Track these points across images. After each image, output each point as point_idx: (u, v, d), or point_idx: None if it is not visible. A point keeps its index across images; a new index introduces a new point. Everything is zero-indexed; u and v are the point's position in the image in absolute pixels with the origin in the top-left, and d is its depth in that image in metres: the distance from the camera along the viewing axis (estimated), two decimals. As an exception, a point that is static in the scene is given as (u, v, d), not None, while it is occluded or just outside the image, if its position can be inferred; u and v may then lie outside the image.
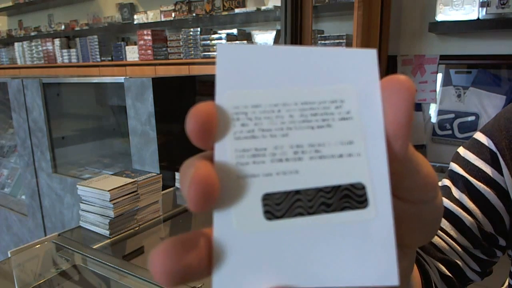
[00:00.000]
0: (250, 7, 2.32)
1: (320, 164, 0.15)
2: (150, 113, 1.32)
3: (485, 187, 0.44)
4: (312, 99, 0.16)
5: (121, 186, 1.01)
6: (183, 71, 2.50)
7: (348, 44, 1.80)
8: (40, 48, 3.54)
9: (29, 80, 1.71)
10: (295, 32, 1.53)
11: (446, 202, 0.46)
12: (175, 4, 2.66)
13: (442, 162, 1.51)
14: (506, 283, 0.52)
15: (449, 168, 0.49)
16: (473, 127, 1.53)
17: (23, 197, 1.97)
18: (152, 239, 1.05)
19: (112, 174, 1.14)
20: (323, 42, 1.87)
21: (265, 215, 0.15)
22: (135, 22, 2.90)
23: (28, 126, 1.77)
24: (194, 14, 2.56)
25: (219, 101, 0.16)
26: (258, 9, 2.27)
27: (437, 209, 0.20)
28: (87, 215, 1.03)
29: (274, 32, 2.21)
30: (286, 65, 0.16)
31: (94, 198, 1.02)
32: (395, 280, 0.15)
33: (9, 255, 0.89)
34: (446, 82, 1.60)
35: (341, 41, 1.82)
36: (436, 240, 0.45)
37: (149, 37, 2.65)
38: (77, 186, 1.05)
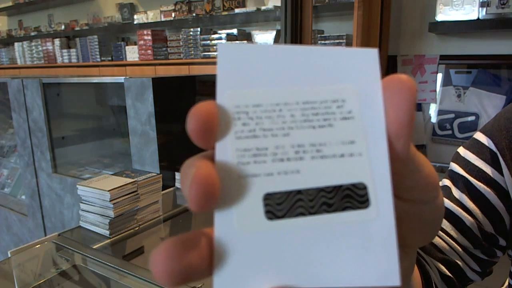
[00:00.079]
0: (250, 7, 2.32)
1: (322, 164, 0.15)
2: (150, 113, 1.32)
3: (485, 187, 0.44)
4: (314, 98, 0.16)
5: (121, 186, 1.01)
6: (183, 71, 2.50)
7: (348, 44, 1.80)
8: (40, 48, 3.54)
9: (29, 80, 1.71)
10: (295, 32, 1.53)
11: (446, 202, 0.46)
12: (175, 4, 2.66)
13: (442, 162, 1.51)
14: (506, 283, 0.52)
15: (449, 168, 0.49)
16: (473, 127, 1.53)
17: (23, 197, 1.97)
18: (152, 239, 1.05)
19: (112, 174, 1.14)
20: (323, 42, 1.87)
21: (266, 215, 0.15)
22: (135, 22, 2.90)
23: (28, 126, 1.77)
24: (194, 14, 2.56)
25: (220, 101, 0.15)
26: (258, 9, 2.27)
27: (438, 209, 0.20)
28: (87, 215, 1.03)
29: (274, 32, 2.21)
30: (287, 64, 0.16)
31: (94, 198, 1.02)
32: (396, 281, 0.15)
33: (9, 255, 0.89)
34: (446, 82, 1.60)
35: (341, 41, 1.82)
36: (436, 240, 0.45)
37: (149, 37, 2.65)
38: (77, 186, 1.05)
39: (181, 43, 2.52)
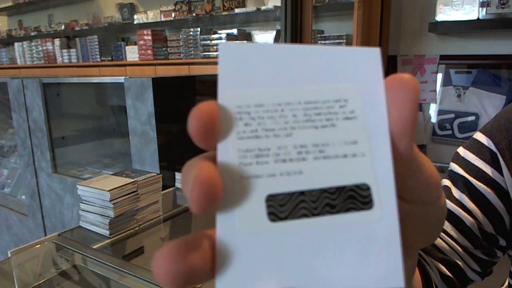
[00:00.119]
0: (250, 7, 2.32)
1: (324, 165, 0.15)
2: (150, 113, 1.32)
3: (485, 187, 0.44)
4: (316, 98, 0.16)
5: (121, 186, 1.01)
6: (183, 71, 2.50)
7: (348, 44, 1.80)
8: (40, 48, 3.54)
9: (29, 80, 1.71)
10: (295, 32, 1.53)
11: (447, 202, 0.46)
12: (175, 4, 2.66)
13: (442, 162, 1.51)
14: (506, 283, 0.52)
15: (449, 169, 0.49)
16: (473, 127, 1.53)
17: (23, 197, 1.97)
18: (152, 239, 1.05)
19: (112, 174, 1.14)
20: (323, 42, 1.87)
21: (268, 216, 0.15)
22: (135, 22, 2.90)
23: (28, 126, 1.77)
24: (194, 14, 2.56)
25: (221, 101, 0.15)
26: (258, 9, 2.27)
27: (441, 209, 0.20)
28: (87, 215, 1.03)
29: (274, 32, 2.21)
30: (289, 64, 0.16)
31: (94, 198, 1.02)
32: (401, 282, 0.15)
33: (9, 255, 0.89)
34: (446, 82, 1.60)
35: (341, 41, 1.82)
36: (437, 240, 0.45)
37: (149, 37, 2.65)
38: (77, 186, 1.05)
39: (181, 43, 2.52)
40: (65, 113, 1.81)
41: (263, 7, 2.27)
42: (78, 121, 1.94)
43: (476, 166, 0.46)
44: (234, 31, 2.31)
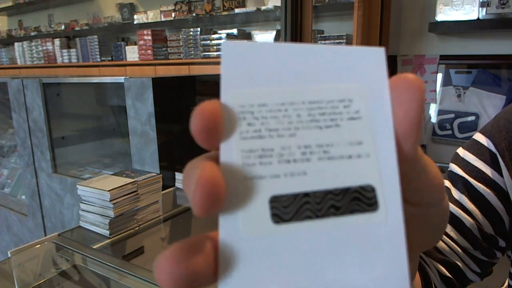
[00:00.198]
0: (250, 7, 2.32)
1: (329, 165, 0.15)
2: (150, 113, 1.32)
3: (485, 188, 0.44)
4: (320, 98, 0.16)
5: (121, 186, 1.01)
6: (183, 71, 2.50)
7: (348, 44, 1.80)
8: (40, 48, 3.54)
9: (29, 80, 1.71)
10: (295, 32, 1.53)
11: None
12: (175, 4, 2.66)
13: (442, 162, 1.51)
14: (506, 283, 0.52)
15: (448, 169, 0.49)
16: (473, 127, 1.53)
17: (23, 197, 1.97)
18: (152, 239, 1.05)
19: (112, 174, 1.14)
20: (323, 42, 1.87)
21: (272, 218, 0.15)
22: (135, 22, 2.90)
23: (28, 126, 1.77)
24: (194, 14, 2.56)
25: (224, 100, 0.15)
26: (258, 9, 2.27)
27: (444, 211, 0.19)
28: (87, 215, 1.03)
29: (274, 32, 2.21)
30: (292, 63, 0.16)
31: (94, 198, 1.02)
32: (406, 285, 0.15)
33: (9, 255, 0.89)
34: (446, 82, 1.60)
35: (341, 41, 1.82)
36: None
37: (149, 37, 2.65)
38: (77, 186, 1.05)
39: (181, 43, 2.52)
40: (65, 113, 1.81)
41: (263, 7, 2.27)
42: (78, 121, 1.94)
43: (476, 167, 0.46)
44: (234, 31, 2.31)
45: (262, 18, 2.30)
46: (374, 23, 1.58)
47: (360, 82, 0.16)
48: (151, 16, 2.81)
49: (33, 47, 3.62)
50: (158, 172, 1.30)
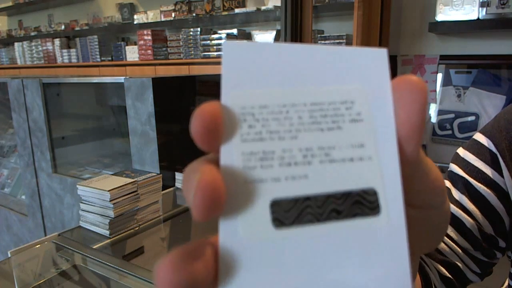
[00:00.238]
0: (250, 7, 2.32)
1: (330, 169, 0.15)
2: (150, 113, 1.32)
3: (485, 188, 0.44)
4: (322, 99, 0.15)
5: (121, 186, 1.01)
6: (183, 71, 2.49)
7: (348, 44, 1.80)
8: (40, 48, 3.54)
9: (29, 80, 1.71)
10: (295, 32, 1.53)
11: None
12: (175, 4, 2.66)
13: (442, 162, 1.51)
14: (506, 283, 0.52)
15: (448, 169, 0.49)
16: (473, 127, 1.53)
17: (23, 197, 1.97)
18: (152, 239, 1.05)
19: (112, 174, 1.14)
20: (323, 42, 1.87)
21: (273, 222, 0.14)
22: (135, 22, 2.90)
23: (28, 126, 1.77)
24: (194, 14, 2.56)
25: (225, 101, 0.15)
26: (258, 9, 2.27)
27: (445, 214, 0.19)
28: (87, 215, 1.03)
29: (274, 32, 2.21)
30: (294, 64, 0.15)
31: (94, 198, 1.02)
32: None
33: (9, 255, 0.89)
34: (446, 82, 1.60)
35: (341, 41, 1.82)
36: None
37: (149, 37, 2.65)
38: (77, 186, 1.04)
39: (181, 43, 2.52)
40: (65, 113, 1.81)
41: (263, 7, 2.27)
42: (78, 121, 1.94)
43: (476, 167, 0.45)
44: (234, 31, 2.31)
45: (262, 18, 2.30)
46: (374, 23, 1.58)
47: (362, 83, 0.16)
48: (151, 16, 2.81)
49: (33, 47, 3.62)
50: (158, 172, 1.30)
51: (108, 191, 0.98)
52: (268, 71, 0.15)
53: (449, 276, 0.45)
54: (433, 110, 1.63)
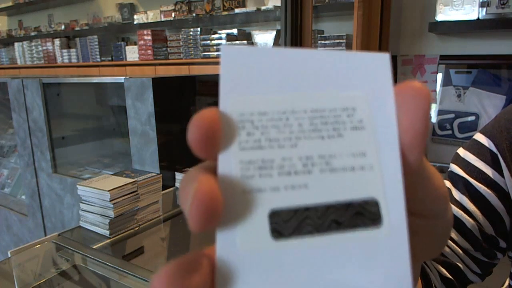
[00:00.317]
0: (250, 7, 2.32)
1: (331, 178, 0.14)
2: (150, 113, 1.32)
3: (485, 188, 0.44)
4: (322, 106, 0.15)
5: (121, 186, 1.01)
6: (183, 71, 2.50)
7: (348, 44, 1.80)
8: (40, 48, 3.54)
9: (29, 80, 1.71)
10: (295, 32, 1.53)
11: None
12: (175, 4, 2.66)
13: (442, 162, 1.51)
14: (506, 284, 0.52)
15: (449, 170, 0.49)
16: (473, 127, 1.53)
17: (23, 197, 1.97)
18: (152, 239, 1.05)
19: (112, 174, 1.14)
20: (323, 42, 1.87)
21: (272, 233, 0.14)
22: (135, 22, 2.90)
23: (28, 126, 1.77)
24: (194, 14, 2.56)
25: (223, 108, 0.14)
26: (258, 9, 2.27)
27: (448, 222, 0.19)
28: (87, 215, 1.03)
29: (274, 32, 2.21)
30: (294, 69, 0.15)
31: (94, 198, 1.02)
32: None
33: (9, 255, 0.89)
34: (446, 82, 1.60)
35: (341, 41, 1.82)
36: None
37: (149, 37, 2.65)
38: (77, 186, 1.04)
39: (181, 43, 2.52)
40: (65, 113, 1.81)
41: (263, 7, 2.27)
42: (78, 121, 1.94)
43: (477, 167, 0.45)
44: (234, 31, 2.31)
45: (262, 18, 2.30)
46: (374, 23, 1.58)
47: (364, 89, 0.15)
48: (151, 16, 2.81)
49: (33, 47, 3.62)
50: (158, 172, 1.30)
51: (108, 191, 0.98)
52: (268, 77, 0.15)
53: (450, 276, 0.45)
54: (433, 110, 1.63)
